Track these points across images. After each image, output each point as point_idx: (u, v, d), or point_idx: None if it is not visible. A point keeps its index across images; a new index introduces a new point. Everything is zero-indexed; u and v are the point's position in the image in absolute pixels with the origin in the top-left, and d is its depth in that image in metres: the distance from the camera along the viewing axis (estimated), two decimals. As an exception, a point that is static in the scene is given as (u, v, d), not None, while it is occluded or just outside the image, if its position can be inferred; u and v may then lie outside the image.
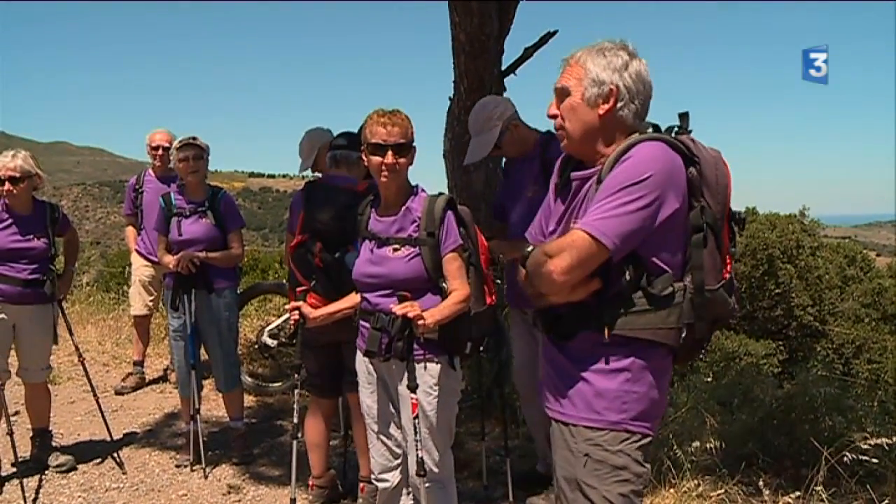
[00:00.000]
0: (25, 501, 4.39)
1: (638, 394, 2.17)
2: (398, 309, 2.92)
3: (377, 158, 3.06)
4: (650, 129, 2.22)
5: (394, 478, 3.37)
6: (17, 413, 5.20)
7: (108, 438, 5.14)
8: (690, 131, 2.21)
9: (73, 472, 4.90)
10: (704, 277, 2.14)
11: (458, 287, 3.07)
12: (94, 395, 5.11)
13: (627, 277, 2.11)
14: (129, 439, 5.49)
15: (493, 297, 3.35)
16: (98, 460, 5.10)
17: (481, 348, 3.41)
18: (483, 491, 4.41)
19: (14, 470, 4.71)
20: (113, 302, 9.69)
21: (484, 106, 4.14)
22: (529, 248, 2.26)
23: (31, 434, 5.04)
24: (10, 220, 4.65)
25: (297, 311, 3.45)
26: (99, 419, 5.28)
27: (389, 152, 3.05)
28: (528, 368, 4.20)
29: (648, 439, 2.23)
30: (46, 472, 4.88)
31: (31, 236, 4.67)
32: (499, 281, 3.54)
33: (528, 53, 6.18)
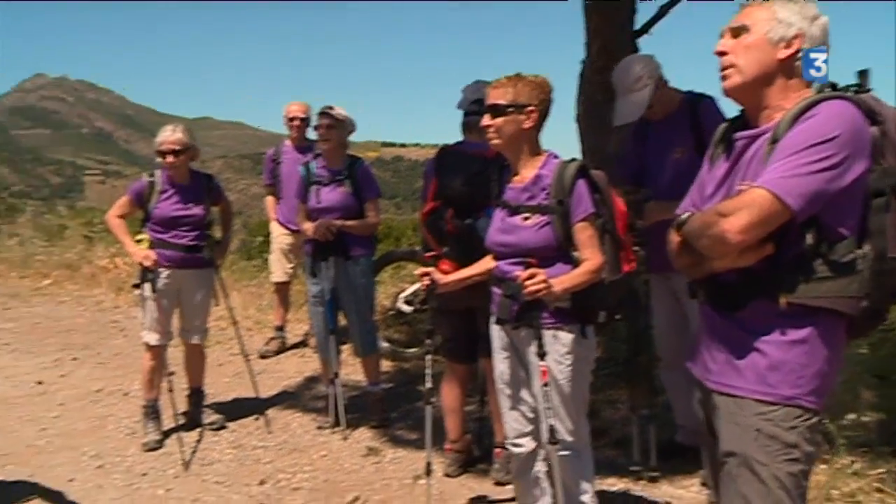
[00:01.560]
0: (183, 455, 4.68)
1: (814, 368, 2.06)
2: (527, 289, 2.88)
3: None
4: (828, 88, 2.07)
5: (528, 443, 3.36)
6: (172, 373, 5.51)
7: (255, 400, 5.39)
8: (870, 90, 2.07)
9: (223, 430, 5.17)
10: (887, 244, 2.01)
11: (589, 256, 3.01)
12: (246, 357, 5.37)
13: (809, 242, 1.99)
14: (273, 401, 5.71)
15: (632, 265, 3.28)
16: (245, 420, 5.34)
17: (617, 316, 3.34)
18: (621, 459, 4.36)
19: (173, 425, 5.01)
20: (255, 269, 10.05)
21: (632, 64, 4.00)
22: (685, 215, 2.18)
23: (186, 393, 5.34)
24: (172, 191, 4.93)
25: (427, 277, 3.46)
26: (245, 381, 5.56)
27: (487, 114, 3.09)
28: (670, 335, 4.11)
29: (818, 417, 2.12)
30: (200, 428, 5.17)
31: (191, 204, 4.95)
32: (636, 248, 3.45)
33: (662, 11, 5.94)
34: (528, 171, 3.14)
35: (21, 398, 5.94)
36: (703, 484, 3.92)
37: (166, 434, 5.03)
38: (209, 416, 5.23)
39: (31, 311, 8.98)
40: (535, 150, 3.16)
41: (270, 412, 5.38)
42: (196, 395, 5.32)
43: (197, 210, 4.97)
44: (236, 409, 5.51)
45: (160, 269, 4.87)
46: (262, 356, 6.76)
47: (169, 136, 4.83)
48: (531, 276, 2.87)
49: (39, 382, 6.29)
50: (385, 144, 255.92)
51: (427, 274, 3.44)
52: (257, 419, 5.31)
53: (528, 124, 3.07)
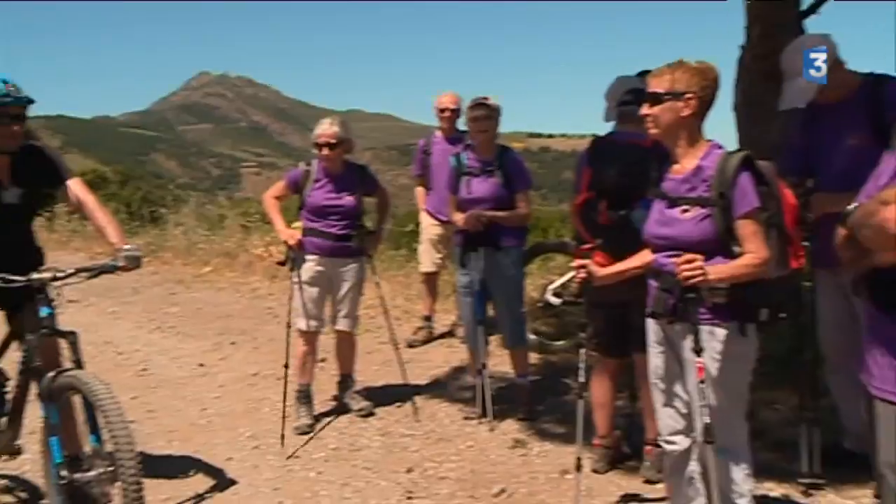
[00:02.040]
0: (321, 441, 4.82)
1: None
2: (680, 271, 2.80)
3: None
4: None
5: (682, 441, 3.24)
6: (323, 360, 5.64)
7: (403, 388, 5.45)
8: None
9: (371, 417, 5.25)
10: None
11: (752, 251, 2.86)
12: (395, 346, 5.46)
13: None
14: (421, 390, 5.74)
15: (801, 261, 3.10)
16: (393, 407, 5.41)
17: (782, 315, 3.15)
18: (781, 463, 4.15)
19: (324, 410, 5.24)
20: (403, 259, 10.17)
21: (803, 44, 3.79)
22: (852, 206, 2.02)
23: (337, 380, 5.48)
24: (325, 180, 5.08)
25: (583, 270, 3.39)
26: (393, 369, 5.64)
27: (646, 103, 3.01)
28: (836, 334, 3.87)
29: None
30: (349, 414, 5.28)
31: (343, 194, 5.06)
32: (806, 243, 3.25)
33: (833, -12, 5.57)
34: (688, 162, 3.03)
35: (185, 379, 6.26)
36: (877, 496, 3.67)
37: (317, 418, 5.17)
38: (358, 403, 5.33)
39: (194, 297, 9.45)
40: (695, 140, 3.03)
41: (418, 401, 5.42)
42: (346, 381, 5.43)
43: (348, 200, 5.07)
44: (385, 397, 5.58)
45: (310, 257, 5.05)
46: (410, 345, 6.84)
47: (326, 129, 4.96)
48: (688, 262, 2.77)
49: (201, 364, 6.61)
50: (531, 135, 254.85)
51: (583, 266, 3.37)
52: (405, 407, 5.36)
53: (686, 112, 2.96)
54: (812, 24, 5.54)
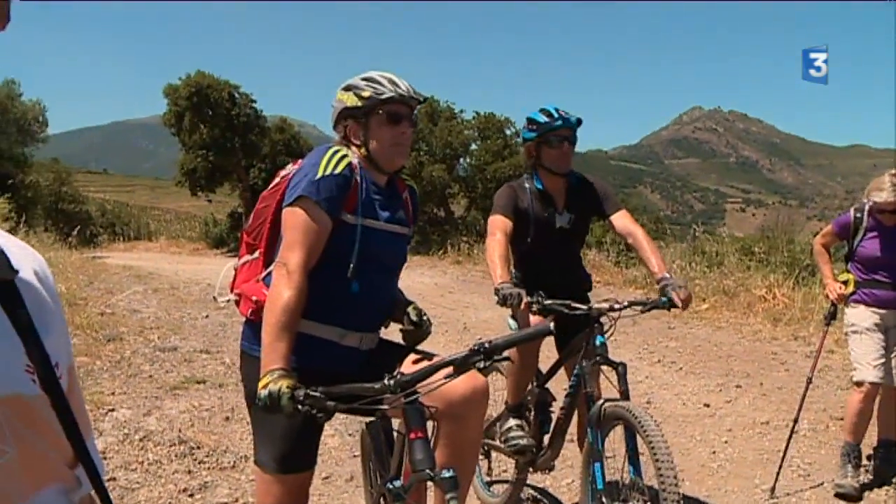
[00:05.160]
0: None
1: None
2: None
3: None
4: None
5: None
6: (840, 418, 5.09)
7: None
8: None
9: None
10: None
11: None
12: None
13: None
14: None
15: None
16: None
17: None
18: None
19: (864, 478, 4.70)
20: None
21: None
22: None
23: (873, 444, 4.91)
24: (879, 231, 4.67)
25: None
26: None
27: None
28: None
29: None
30: (890, 487, 4.66)
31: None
32: None
33: None
34: None
35: (690, 417, 6.09)
36: None
37: (865, 487, 4.64)
38: (898, 475, 4.67)
39: (692, 333, 9.31)
40: None
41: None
42: (886, 447, 4.83)
43: None
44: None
45: (866, 308, 4.69)
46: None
47: (888, 197, 4.50)
48: None
49: (706, 405, 6.39)
50: None
51: None
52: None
53: None
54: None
